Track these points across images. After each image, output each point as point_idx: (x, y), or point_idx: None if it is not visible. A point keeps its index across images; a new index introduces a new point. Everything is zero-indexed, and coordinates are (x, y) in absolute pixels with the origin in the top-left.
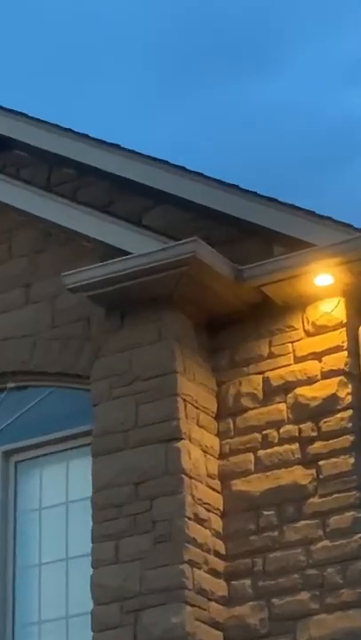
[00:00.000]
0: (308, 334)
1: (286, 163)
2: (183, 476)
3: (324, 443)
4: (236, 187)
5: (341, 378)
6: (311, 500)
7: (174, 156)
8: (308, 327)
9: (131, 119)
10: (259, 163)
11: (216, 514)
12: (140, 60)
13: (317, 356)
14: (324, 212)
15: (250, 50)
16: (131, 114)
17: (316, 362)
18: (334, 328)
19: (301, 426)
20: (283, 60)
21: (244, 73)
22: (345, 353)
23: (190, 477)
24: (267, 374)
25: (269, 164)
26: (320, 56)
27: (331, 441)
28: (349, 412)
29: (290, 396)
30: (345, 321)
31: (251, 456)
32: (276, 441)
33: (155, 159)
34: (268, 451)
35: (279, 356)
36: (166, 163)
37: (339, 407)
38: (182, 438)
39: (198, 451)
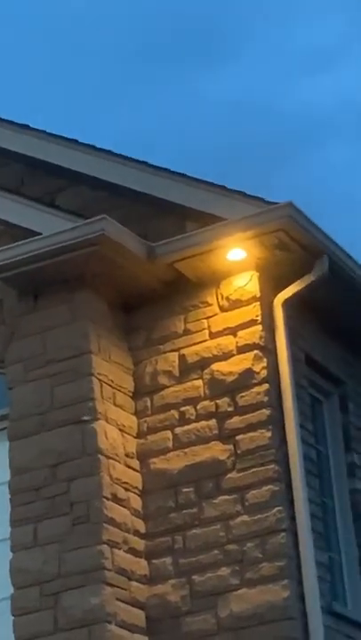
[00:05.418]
0: (223, 309)
1: (240, 153)
2: (100, 456)
3: (241, 417)
4: (146, 164)
5: (256, 352)
6: (229, 475)
7: (124, 150)
8: (223, 302)
9: (79, 113)
10: (212, 154)
11: (135, 493)
12: (88, 54)
13: (232, 331)
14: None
15: (204, 40)
16: (79, 108)
17: (231, 337)
18: (248, 302)
19: (218, 401)
20: (238, 49)
21: (199, 64)
22: (259, 327)
23: (108, 457)
24: (182, 351)
25: (223, 156)
26: (275, 45)
27: (248, 415)
28: (265, 385)
29: (206, 371)
30: (259, 295)
31: (169, 434)
32: (193, 417)
33: (65, 139)
34: (186, 427)
35: (194, 332)
36: (76, 142)
37: (255, 381)
38: (98, 419)
39: (115, 430)
